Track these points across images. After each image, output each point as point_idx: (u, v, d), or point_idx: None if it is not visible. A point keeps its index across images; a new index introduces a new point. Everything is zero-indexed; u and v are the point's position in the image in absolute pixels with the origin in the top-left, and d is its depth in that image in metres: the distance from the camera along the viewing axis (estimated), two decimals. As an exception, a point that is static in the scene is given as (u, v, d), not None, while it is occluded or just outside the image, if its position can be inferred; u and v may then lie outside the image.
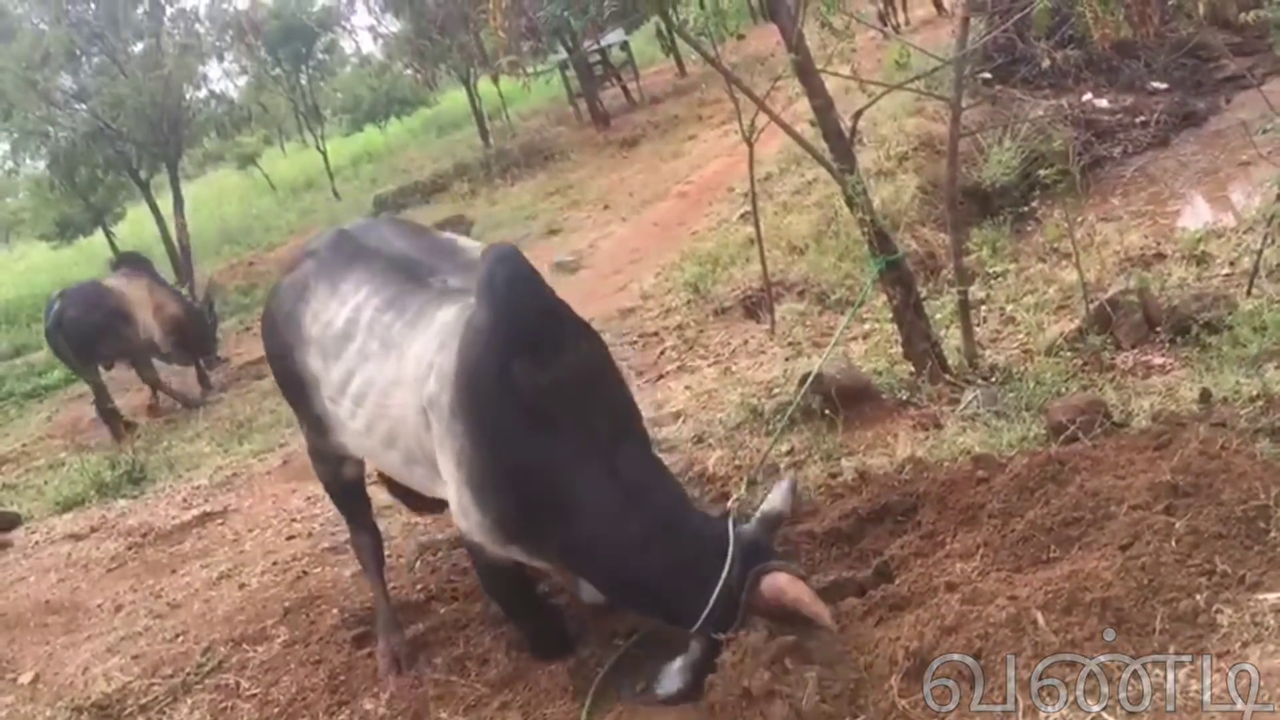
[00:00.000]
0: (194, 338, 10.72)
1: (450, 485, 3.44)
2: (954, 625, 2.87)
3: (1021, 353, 5.30)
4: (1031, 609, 2.83)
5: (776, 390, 5.29)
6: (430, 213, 16.36)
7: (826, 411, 4.72)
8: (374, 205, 18.36)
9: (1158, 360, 4.79)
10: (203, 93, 16.20)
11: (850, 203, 4.96)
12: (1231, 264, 5.60)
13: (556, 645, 3.65)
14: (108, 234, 17.76)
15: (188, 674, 4.33)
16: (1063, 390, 4.54)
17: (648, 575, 3.22)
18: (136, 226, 19.11)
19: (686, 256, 8.93)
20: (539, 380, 3.26)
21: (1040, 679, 2.64)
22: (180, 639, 4.73)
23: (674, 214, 11.39)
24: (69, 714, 4.22)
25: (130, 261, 11.31)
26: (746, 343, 6.74)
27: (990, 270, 6.70)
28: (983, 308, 6.13)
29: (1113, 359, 4.87)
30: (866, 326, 6.27)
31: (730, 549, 3.11)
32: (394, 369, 3.62)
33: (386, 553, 4.91)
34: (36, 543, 6.81)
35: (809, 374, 4.80)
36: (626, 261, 10.14)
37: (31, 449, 10.34)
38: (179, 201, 14.63)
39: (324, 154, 22.22)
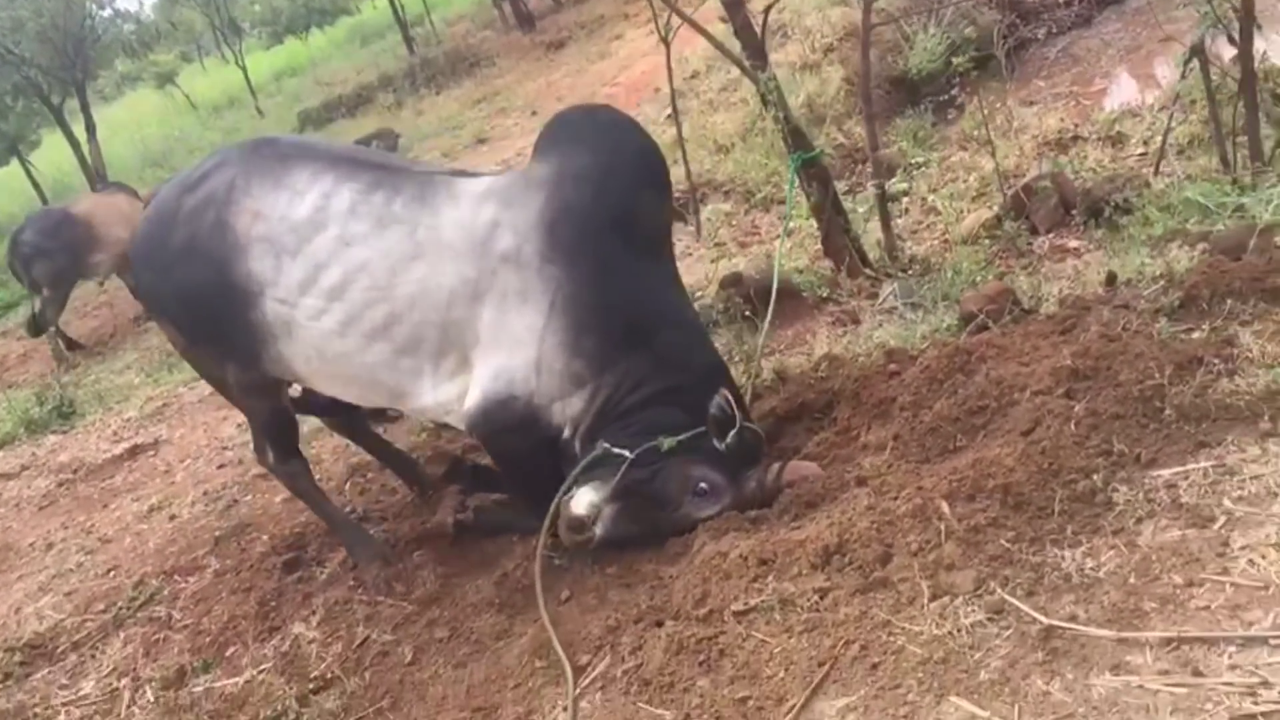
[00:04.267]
0: None
1: (519, 345, 3.47)
2: (862, 519, 2.93)
3: (941, 243, 5.32)
4: (937, 498, 2.89)
5: (699, 294, 5.29)
6: (356, 126, 16.02)
7: (747, 313, 4.74)
8: (299, 121, 17.93)
9: (1073, 244, 4.83)
10: (107, 12, 15.56)
11: (765, 100, 4.91)
12: (1145, 144, 5.62)
13: None
14: (23, 163, 17.20)
15: (120, 608, 4.32)
16: (979, 279, 4.58)
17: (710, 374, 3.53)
18: (53, 153, 18.52)
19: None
20: (654, 211, 3.62)
21: (944, 565, 2.71)
22: (112, 574, 4.72)
23: (601, 116, 11.20)
24: (1, 655, 4.20)
25: (116, 186, 11.60)
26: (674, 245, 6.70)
27: (912, 161, 6.68)
28: (905, 199, 6.13)
29: (1029, 244, 4.90)
30: (790, 225, 6.26)
31: None
32: (407, 244, 3.54)
33: (317, 476, 4.91)
34: (-34, 485, 6.72)
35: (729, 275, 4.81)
36: (555, 168, 9.98)
37: (-43, 389, 10.14)
38: (91, 126, 14.20)
39: (244, 70, 21.58)
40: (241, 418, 5.95)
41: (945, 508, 2.85)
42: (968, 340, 3.79)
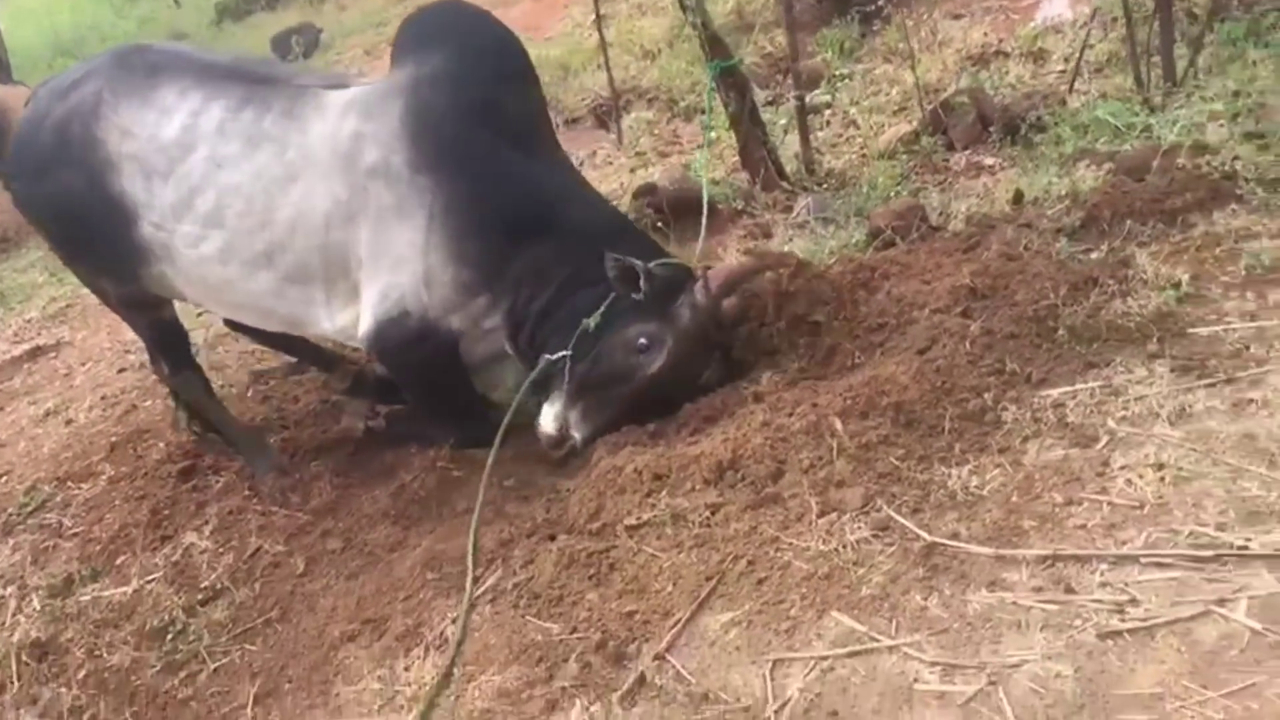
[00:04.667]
0: None
1: (403, 261, 3.36)
2: (757, 435, 2.92)
3: (859, 157, 5.27)
4: (830, 415, 2.89)
5: (615, 202, 5.19)
6: (276, 20, 15.40)
7: (660, 224, 4.67)
8: (216, 13, 17.19)
9: (988, 161, 4.80)
10: (9, -112, 14.69)
11: (683, 6, 4.78)
12: (1066, 60, 5.57)
13: (485, 430, 3.50)
14: (-78, 50, 16.33)
15: (10, 515, 4.20)
16: (893, 195, 4.55)
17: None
18: (-45, 41, 17.60)
19: (537, 64, 8.56)
20: (520, 100, 3.50)
21: (834, 482, 2.72)
22: (4, 479, 4.59)
23: (528, 19, 10.85)
24: (-115, 561, 4.08)
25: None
26: (595, 154, 6.60)
27: (837, 72, 6.59)
28: (826, 111, 6.05)
29: (945, 160, 4.87)
30: (712, 135, 6.16)
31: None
32: (278, 165, 3.40)
33: (220, 383, 4.80)
34: None
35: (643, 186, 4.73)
36: (478, 69, 9.71)
37: None
38: (-7, 12, 13.50)
39: (160, -44, 20.57)
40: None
41: (838, 425, 2.85)
42: (872, 257, 3.78)
